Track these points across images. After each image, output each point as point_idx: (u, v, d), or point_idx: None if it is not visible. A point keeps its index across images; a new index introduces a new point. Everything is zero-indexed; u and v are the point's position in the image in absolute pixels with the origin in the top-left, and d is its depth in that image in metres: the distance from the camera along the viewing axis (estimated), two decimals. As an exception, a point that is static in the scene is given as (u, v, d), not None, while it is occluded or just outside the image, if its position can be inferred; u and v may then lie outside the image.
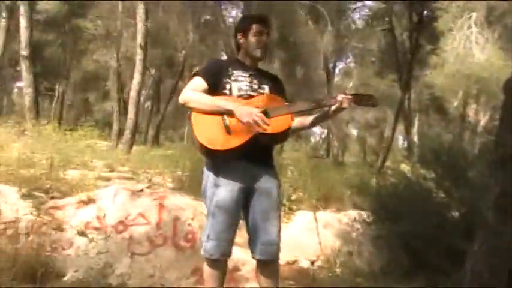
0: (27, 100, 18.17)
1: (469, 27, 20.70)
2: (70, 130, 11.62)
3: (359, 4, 31.91)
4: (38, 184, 7.85)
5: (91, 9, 30.65)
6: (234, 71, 3.57)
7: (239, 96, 3.51)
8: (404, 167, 11.82)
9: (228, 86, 3.53)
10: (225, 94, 3.51)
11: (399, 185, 7.32)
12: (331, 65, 32.89)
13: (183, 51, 29.02)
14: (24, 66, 18.74)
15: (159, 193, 7.27)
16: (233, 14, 29.39)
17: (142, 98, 21.58)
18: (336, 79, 40.42)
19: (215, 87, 3.53)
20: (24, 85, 18.85)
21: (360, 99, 3.53)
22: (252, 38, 3.61)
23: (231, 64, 3.66)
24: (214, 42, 24.40)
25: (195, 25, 21.11)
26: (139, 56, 17.68)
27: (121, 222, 6.67)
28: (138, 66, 17.67)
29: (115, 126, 26.46)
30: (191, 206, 7.20)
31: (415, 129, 34.65)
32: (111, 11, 28.87)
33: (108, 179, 9.61)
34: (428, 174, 7.03)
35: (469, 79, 21.32)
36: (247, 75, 3.58)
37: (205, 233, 3.53)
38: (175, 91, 34.50)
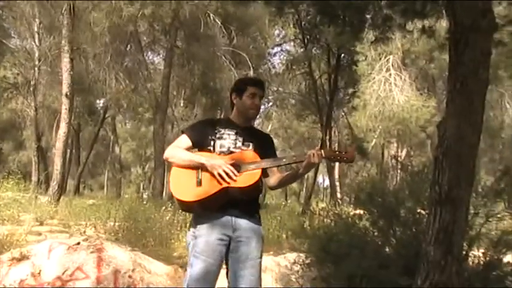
0: None
1: (387, 70, 21.68)
2: (-5, 183, 11.27)
3: (278, 49, 32.80)
4: (-36, 243, 7.53)
5: (5, 57, 29.91)
6: (221, 129, 3.76)
7: (221, 152, 3.68)
8: (324, 207, 12.10)
9: (212, 143, 3.72)
10: (209, 151, 3.69)
11: (335, 226, 7.50)
12: (251, 108, 33.30)
13: (104, 99, 28.77)
14: None
15: (96, 246, 7.11)
16: (155, 61, 29.57)
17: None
18: (257, 122, 40.93)
19: (200, 144, 3.74)
20: None
21: (333, 155, 3.65)
22: (246, 99, 3.79)
23: (220, 123, 3.86)
24: (138, 89, 24.21)
25: (118, 72, 20.93)
26: (65, 106, 17.42)
27: (58, 278, 6.49)
28: (64, 115, 17.39)
29: (34, 177, 25.67)
30: (130, 257, 7.10)
31: (336, 169, 35.50)
32: (27, 59, 28.32)
33: (39, 234, 9.33)
34: (363, 214, 7.25)
35: (391, 120, 22.26)
36: (234, 133, 3.76)
37: (185, 282, 3.59)
38: (96, 139, 34.00)
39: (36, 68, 26.62)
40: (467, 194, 4.83)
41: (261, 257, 3.70)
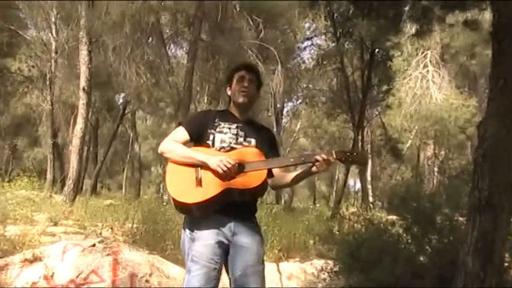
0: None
1: (425, 66, 21.43)
2: (8, 181, 11.44)
3: (308, 43, 32.70)
4: (-25, 242, 7.64)
5: (21, 49, 30.25)
6: (221, 122, 3.70)
7: (221, 148, 3.63)
8: (355, 211, 12.03)
9: (211, 137, 3.66)
10: (207, 145, 3.63)
11: (366, 232, 7.46)
12: (279, 105, 33.36)
13: (123, 94, 28.97)
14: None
15: (113, 248, 7.15)
16: (178, 54, 29.66)
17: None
18: (284, 120, 40.89)
19: (199, 138, 3.67)
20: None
21: (345, 157, 3.59)
22: (235, 86, 3.77)
23: (219, 115, 3.78)
24: (159, 84, 24.28)
25: (138, 65, 21.01)
26: (82, 101, 17.60)
27: (72, 281, 6.53)
28: (81, 110, 17.56)
29: (49, 175, 25.95)
30: (147, 260, 7.13)
31: (368, 172, 35.29)
32: (44, 51, 28.62)
33: (53, 235, 9.44)
34: (396, 219, 7.21)
35: (428, 120, 21.99)
36: (234, 126, 3.71)
37: None
38: (115, 136, 34.26)
39: (52, 61, 26.83)
40: (509, 200, 4.75)
41: (263, 263, 3.67)
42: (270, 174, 3.66)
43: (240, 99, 3.74)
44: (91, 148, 36.82)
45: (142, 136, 47.53)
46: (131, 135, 39.56)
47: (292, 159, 3.65)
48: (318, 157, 3.52)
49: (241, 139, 3.69)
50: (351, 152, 3.63)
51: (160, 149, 3.69)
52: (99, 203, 16.84)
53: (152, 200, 16.50)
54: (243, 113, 3.79)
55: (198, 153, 3.54)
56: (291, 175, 3.78)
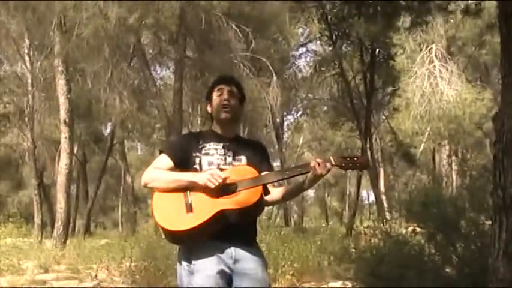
0: None
1: (431, 61, 21.36)
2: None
3: (303, 49, 32.71)
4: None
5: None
6: (206, 144, 3.62)
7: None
8: (370, 225, 11.99)
9: (197, 161, 3.58)
10: (195, 170, 3.55)
11: (384, 246, 7.39)
12: (278, 120, 33.36)
13: (110, 123, 28.92)
14: None
15: (111, 290, 7.08)
16: (164, 76, 29.71)
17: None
18: (286, 135, 40.86)
19: (184, 164, 3.58)
20: None
21: (344, 162, 3.52)
22: (214, 100, 3.69)
23: (203, 136, 3.70)
24: (146, 109, 24.26)
25: (121, 91, 20.96)
26: (64, 134, 17.59)
27: (69, 331, 6.47)
28: (64, 145, 17.55)
29: (37, 219, 25.86)
30: (149, 300, 7.06)
31: (381, 182, 35.17)
32: (19, 85, 28.54)
33: (44, 282, 9.37)
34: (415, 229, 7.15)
35: (440, 119, 21.86)
36: (221, 146, 3.63)
37: None
38: (105, 170, 34.20)
39: (29, 95, 26.64)
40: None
41: None
42: (265, 191, 3.58)
43: (223, 115, 3.65)
44: (80, 185, 36.67)
45: (135, 167, 47.37)
46: (122, 167, 39.47)
47: (287, 172, 3.61)
48: (314, 163, 3.44)
49: (230, 159, 3.61)
50: (350, 157, 3.57)
51: (144, 180, 3.59)
52: (93, 244, 16.78)
53: (150, 234, 16.41)
54: (229, 130, 3.71)
55: (184, 174, 3.48)
56: (289, 188, 3.73)
